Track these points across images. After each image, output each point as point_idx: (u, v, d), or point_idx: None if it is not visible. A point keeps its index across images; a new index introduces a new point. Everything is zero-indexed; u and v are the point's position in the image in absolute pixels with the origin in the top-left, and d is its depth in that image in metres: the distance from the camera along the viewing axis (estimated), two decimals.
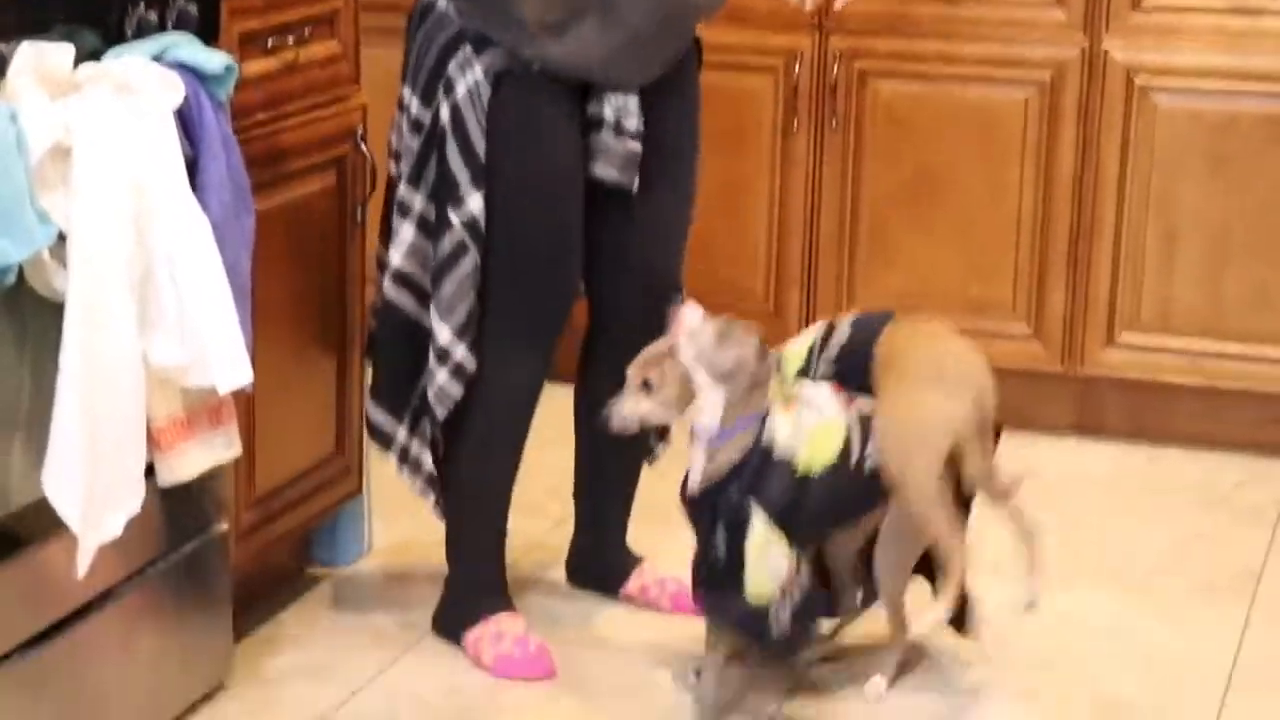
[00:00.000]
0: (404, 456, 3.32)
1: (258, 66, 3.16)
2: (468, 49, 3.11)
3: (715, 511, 3.03)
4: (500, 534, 3.38)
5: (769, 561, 3.00)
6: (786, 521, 3.00)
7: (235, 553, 3.18)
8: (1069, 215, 4.32)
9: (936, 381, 3.02)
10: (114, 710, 2.89)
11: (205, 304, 2.67)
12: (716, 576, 3.06)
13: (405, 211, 3.20)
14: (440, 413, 3.20)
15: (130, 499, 2.61)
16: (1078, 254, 4.33)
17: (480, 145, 3.12)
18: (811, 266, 4.54)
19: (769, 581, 3.01)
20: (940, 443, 3.00)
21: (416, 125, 3.17)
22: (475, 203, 3.13)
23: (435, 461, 3.31)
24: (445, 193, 3.15)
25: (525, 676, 3.24)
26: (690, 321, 3.05)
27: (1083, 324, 4.35)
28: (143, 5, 2.78)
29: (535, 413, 3.32)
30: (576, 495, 3.60)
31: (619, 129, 3.16)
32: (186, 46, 2.75)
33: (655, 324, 3.18)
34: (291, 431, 3.39)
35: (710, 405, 3.02)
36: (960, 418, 3.01)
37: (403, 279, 3.24)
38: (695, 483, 3.06)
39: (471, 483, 3.34)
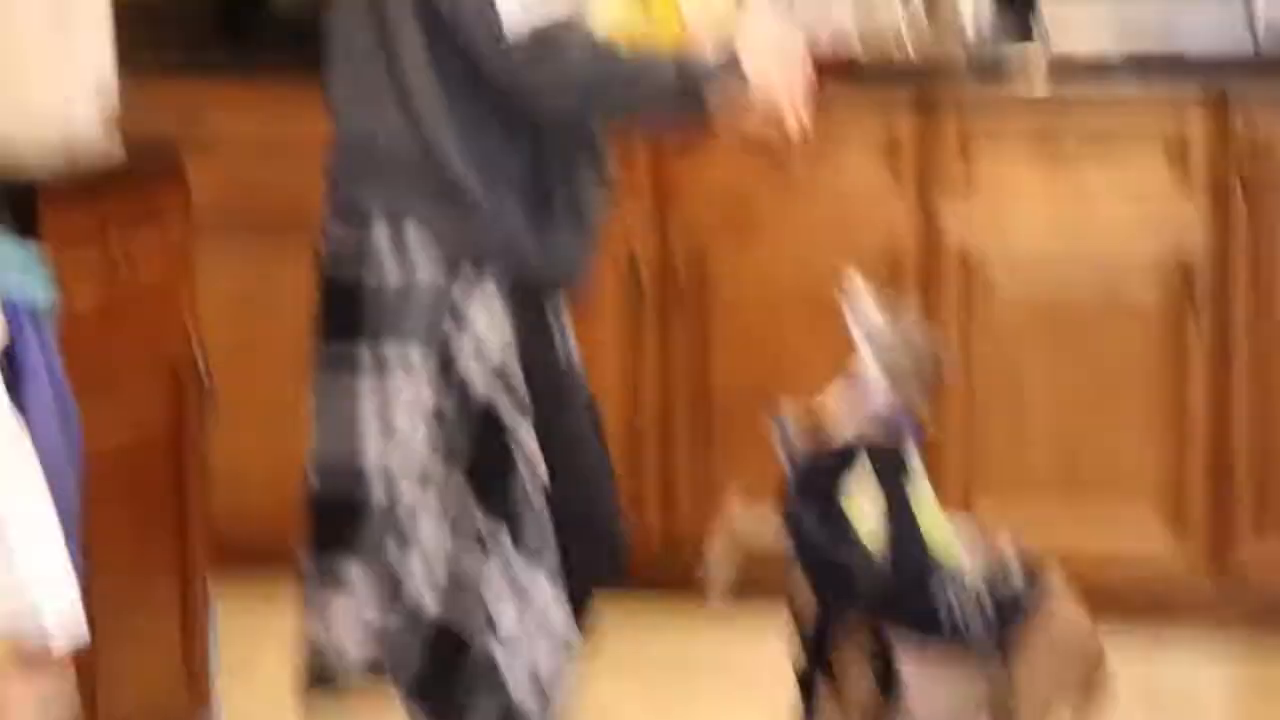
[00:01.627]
0: None
1: (87, 289, 3.18)
2: (477, 284, 2.86)
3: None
4: None
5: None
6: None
7: None
8: None
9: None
10: None
11: (25, 543, 2.60)
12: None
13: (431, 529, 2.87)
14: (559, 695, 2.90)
15: None
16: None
17: (522, 384, 2.87)
18: (667, 461, 4.49)
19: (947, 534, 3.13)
20: None
21: (433, 381, 2.83)
22: (543, 468, 2.85)
23: None
24: (492, 439, 2.84)
25: None
26: (859, 292, 3.14)
27: (939, 492, 4.31)
28: None
29: None
30: None
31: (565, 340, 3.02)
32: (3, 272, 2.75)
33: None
34: (135, 665, 3.35)
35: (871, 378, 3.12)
36: None
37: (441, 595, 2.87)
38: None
39: None
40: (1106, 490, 4.26)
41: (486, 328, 2.86)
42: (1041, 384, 4.24)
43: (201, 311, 4.12)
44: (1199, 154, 4.14)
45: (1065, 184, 4.22)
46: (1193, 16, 4.33)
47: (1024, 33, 4.52)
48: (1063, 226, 4.23)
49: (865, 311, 3.14)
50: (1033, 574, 3.17)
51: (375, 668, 2.93)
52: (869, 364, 3.12)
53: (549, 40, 2.77)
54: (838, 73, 4.28)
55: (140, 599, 3.32)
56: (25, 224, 2.95)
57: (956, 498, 4.26)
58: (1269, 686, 3.85)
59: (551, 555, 2.88)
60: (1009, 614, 3.10)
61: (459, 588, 2.88)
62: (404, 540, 2.87)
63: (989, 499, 4.30)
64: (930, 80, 4.28)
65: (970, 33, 4.55)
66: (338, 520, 2.94)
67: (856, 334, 3.14)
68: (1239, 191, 4.11)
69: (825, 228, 4.35)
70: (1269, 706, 3.60)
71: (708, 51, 2.83)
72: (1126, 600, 4.27)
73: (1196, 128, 4.15)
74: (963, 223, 4.27)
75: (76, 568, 2.70)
